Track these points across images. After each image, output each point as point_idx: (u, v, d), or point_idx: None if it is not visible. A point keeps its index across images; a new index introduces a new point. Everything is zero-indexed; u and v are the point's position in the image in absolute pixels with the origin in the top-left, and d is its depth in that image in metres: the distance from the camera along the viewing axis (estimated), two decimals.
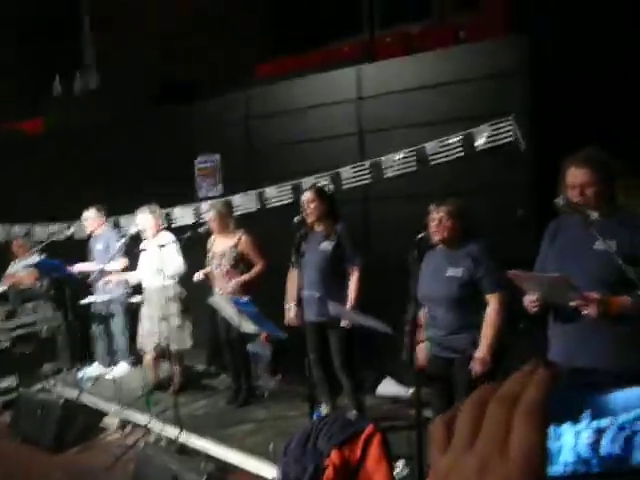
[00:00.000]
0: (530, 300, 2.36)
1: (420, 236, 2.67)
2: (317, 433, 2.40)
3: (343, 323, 3.51)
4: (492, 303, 2.78)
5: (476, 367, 2.73)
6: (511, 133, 4.14)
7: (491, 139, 4.23)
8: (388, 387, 4.61)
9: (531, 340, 3.95)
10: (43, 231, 6.59)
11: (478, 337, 2.78)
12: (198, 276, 4.36)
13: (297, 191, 5.01)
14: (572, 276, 2.25)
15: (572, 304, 2.19)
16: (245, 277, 4.29)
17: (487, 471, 0.38)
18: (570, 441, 0.44)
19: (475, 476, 0.38)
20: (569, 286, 2.21)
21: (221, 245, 4.41)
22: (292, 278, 3.98)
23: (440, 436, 0.42)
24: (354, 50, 5.67)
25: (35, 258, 5.48)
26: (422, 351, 2.90)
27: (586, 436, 0.43)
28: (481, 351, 2.74)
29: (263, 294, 4.28)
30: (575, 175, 2.32)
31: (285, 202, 5.11)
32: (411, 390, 4.50)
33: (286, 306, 3.94)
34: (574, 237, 2.38)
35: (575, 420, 0.44)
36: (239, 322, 3.24)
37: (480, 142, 4.25)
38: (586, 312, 2.18)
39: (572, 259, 2.34)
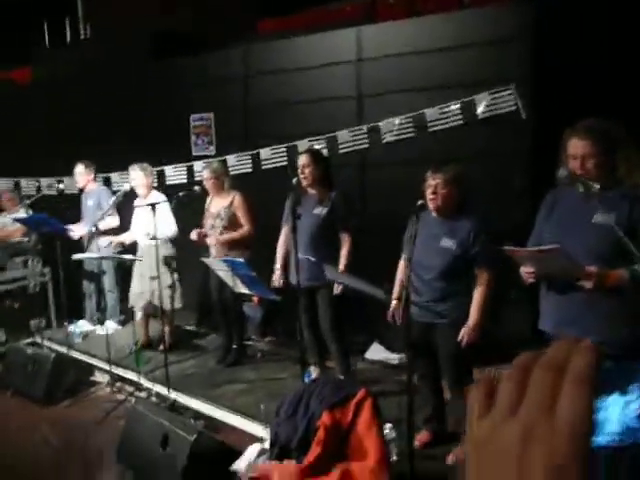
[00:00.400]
0: (527, 271, 2.36)
1: (420, 203, 2.63)
2: (309, 395, 2.42)
3: (336, 289, 3.52)
4: (483, 278, 2.79)
5: (466, 336, 2.76)
6: (512, 101, 4.09)
7: (491, 107, 4.17)
8: (377, 352, 4.67)
9: (522, 309, 4.02)
10: (31, 185, 6.48)
11: (461, 303, 2.81)
12: (193, 235, 4.32)
13: (292, 153, 4.96)
14: (569, 249, 2.25)
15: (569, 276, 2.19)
16: (227, 236, 4.26)
17: (532, 438, 0.37)
18: (617, 412, 0.42)
19: (519, 443, 0.37)
20: (564, 257, 2.21)
21: (216, 205, 4.37)
22: (283, 239, 3.98)
23: (480, 401, 0.41)
24: (356, 10, 5.53)
25: (22, 213, 5.40)
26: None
27: (635, 407, 0.42)
28: (472, 322, 2.76)
29: (256, 255, 4.27)
30: (576, 146, 2.29)
31: (279, 164, 5.05)
32: (399, 356, 4.57)
33: (274, 267, 3.95)
34: (572, 209, 2.36)
35: (624, 391, 0.43)
36: (233, 283, 3.23)
37: (480, 110, 4.20)
38: (581, 284, 2.19)
39: (570, 232, 2.32)
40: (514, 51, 4.06)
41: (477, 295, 2.79)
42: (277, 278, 3.91)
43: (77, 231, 5.20)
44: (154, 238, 3.98)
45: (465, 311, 2.79)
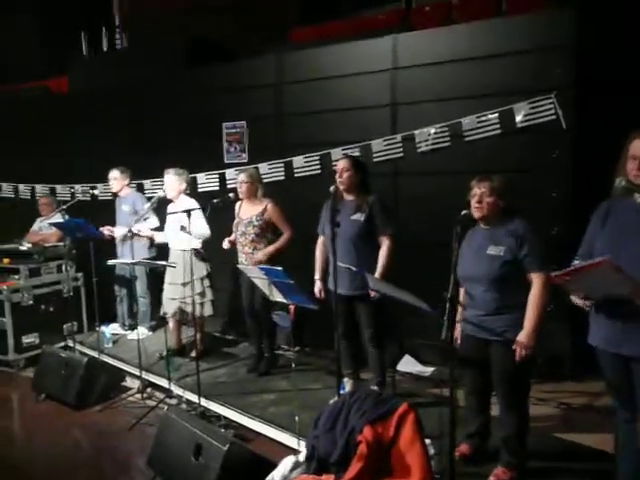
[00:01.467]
0: (578, 298, 2.27)
1: (463, 213, 2.57)
2: (349, 408, 2.37)
3: (372, 295, 3.46)
4: (536, 283, 2.67)
5: (520, 351, 2.65)
6: (552, 111, 4.00)
7: (530, 116, 4.09)
8: (408, 364, 4.60)
9: (560, 324, 3.91)
10: (67, 191, 6.58)
11: (517, 319, 2.70)
12: (225, 244, 4.34)
13: (325, 162, 4.94)
14: (624, 262, 2.16)
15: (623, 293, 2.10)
16: (271, 248, 4.26)
17: None
18: None
19: None
20: (614, 270, 2.10)
21: (248, 212, 4.36)
22: (320, 248, 3.94)
23: None
24: (390, 19, 5.50)
25: (59, 218, 5.48)
26: (458, 331, 2.84)
27: None
28: (525, 334, 2.65)
29: (289, 264, 4.24)
30: (638, 147, 2.20)
31: (313, 173, 5.03)
32: (432, 369, 4.49)
33: (315, 277, 3.93)
34: (628, 221, 2.27)
35: None
36: (269, 291, 3.20)
37: (519, 119, 4.12)
38: (636, 301, 2.10)
39: (624, 244, 2.23)
40: (554, 59, 3.98)
41: (529, 306, 2.66)
42: (318, 289, 3.87)
43: (115, 231, 5.24)
44: (188, 232, 3.99)
45: (521, 328, 2.67)
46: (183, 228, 4.29)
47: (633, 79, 3.85)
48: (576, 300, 2.32)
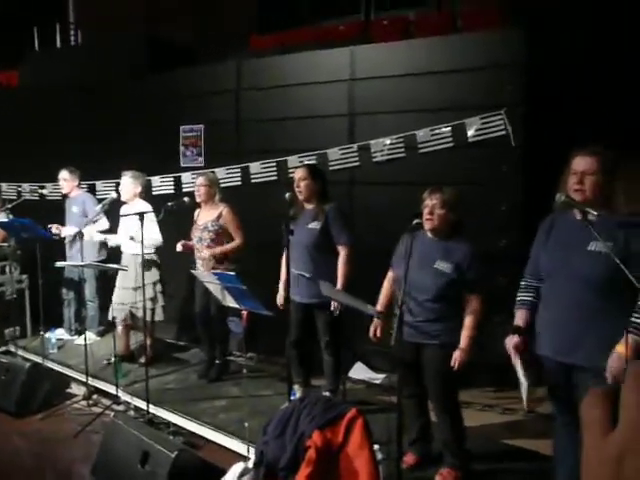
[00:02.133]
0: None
1: (415, 222, 2.64)
2: (298, 414, 2.38)
3: (332, 306, 3.49)
4: (474, 303, 2.81)
5: (458, 358, 2.76)
6: (502, 127, 4.15)
7: (482, 131, 4.23)
8: (360, 371, 4.64)
9: (506, 332, 4.04)
10: (12, 189, 6.35)
11: (452, 326, 2.82)
12: (179, 247, 4.28)
13: (282, 168, 4.95)
14: (565, 277, 2.27)
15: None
16: (218, 250, 4.21)
17: None
18: None
19: None
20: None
21: (204, 218, 4.32)
22: (285, 256, 3.94)
23: (599, 416, 0.40)
24: (350, 30, 5.59)
25: (3, 217, 5.27)
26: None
27: None
28: (464, 346, 2.77)
29: (244, 270, 4.22)
30: (579, 163, 2.31)
31: (269, 179, 5.04)
32: (383, 376, 4.55)
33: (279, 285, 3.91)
34: (568, 236, 2.38)
35: None
36: (222, 297, 3.18)
37: (471, 133, 4.25)
38: None
39: (564, 259, 2.34)
40: (505, 77, 4.13)
41: (469, 320, 2.80)
42: (279, 297, 3.81)
43: (63, 231, 5.07)
44: (138, 241, 3.91)
45: (455, 334, 2.79)
46: (132, 239, 4.22)
47: (580, 97, 4.04)
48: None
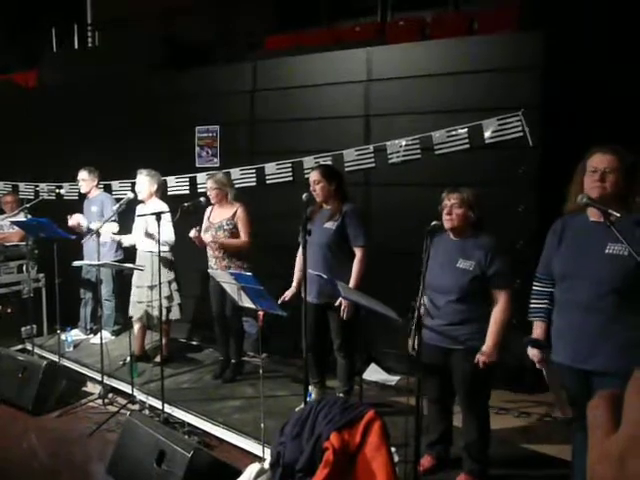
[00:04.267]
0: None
1: (433, 223, 2.62)
2: (316, 415, 2.37)
3: (342, 312, 3.47)
4: (500, 299, 2.75)
5: (482, 360, 2.71)
6: (520, 128, 4.12)
7: (498, 132, 4.20)
8: (374, 373, 4.62)
9: (525, 335, 4.00)
10: (30, 189, 6.41)
11: (479, 329, 2.76)
12: (192, 233, 4.17)
13: (298, 169, 4.95)
14: (581, 280, 2.24)
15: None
16: (225, 240, 4.20)
17: None
18: None
19: None
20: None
21: (218, 216, 4.33)
22: (299, 256, 3.94)
23: (604, 418, 0.39)
24: (366, 31, 5.58)
25: (21, 217, 5.32)
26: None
27: None
28: (488, 345, 2.72)
29: (257, 270, 4.22)
30: (599, 160, 2.27)
31: (284, 180, 5.04)
32: (397, 378, 4.53)
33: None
34: (582, 239, 2.34)
35: None
36: (238, 297, 3.18)
37: (487, 135, 4.23)
38: None
39: (580, 263, 2.30)
40: (523, 78, 4.11)
41: (495, 316, 2.74)
42: (288, 293, 3.82)
43: (81, 221, 5.01)
44: (154, 237, 3.91)
45: (483, 337, 2.74)
46: (148, 234, 4.23)
47: (597, 99, 4.00)
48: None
